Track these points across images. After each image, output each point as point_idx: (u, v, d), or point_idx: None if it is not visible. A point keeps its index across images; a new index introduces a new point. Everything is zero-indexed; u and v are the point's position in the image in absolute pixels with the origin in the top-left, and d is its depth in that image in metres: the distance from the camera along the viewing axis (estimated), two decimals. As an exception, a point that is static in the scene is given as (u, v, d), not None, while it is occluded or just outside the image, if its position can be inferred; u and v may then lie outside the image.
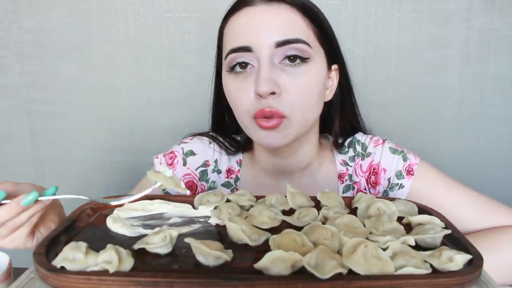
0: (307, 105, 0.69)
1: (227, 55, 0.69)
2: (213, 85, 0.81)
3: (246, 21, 0.68)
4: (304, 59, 0.67)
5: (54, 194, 0.53)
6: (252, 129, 0.71)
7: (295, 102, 0.67)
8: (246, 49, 0.67)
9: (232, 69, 0.69)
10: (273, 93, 0.66)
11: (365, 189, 0.81)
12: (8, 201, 0.52)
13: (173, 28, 1.23)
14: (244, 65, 0.68)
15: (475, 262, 0.42)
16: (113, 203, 0.54)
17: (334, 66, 0.75)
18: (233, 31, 0.69)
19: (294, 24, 0.67)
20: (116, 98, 1.29)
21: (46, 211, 0.57)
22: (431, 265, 0.42)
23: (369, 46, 1.22)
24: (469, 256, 0.42)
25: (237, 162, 0.84)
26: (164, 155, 0.83)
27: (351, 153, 0.82)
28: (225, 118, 0.83)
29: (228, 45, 0.70)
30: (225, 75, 0.72)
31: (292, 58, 0.67)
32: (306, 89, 0.68)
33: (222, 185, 0.84)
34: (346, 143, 0.83)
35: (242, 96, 0.69)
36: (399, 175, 0.78)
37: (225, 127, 0.84)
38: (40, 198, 0.52)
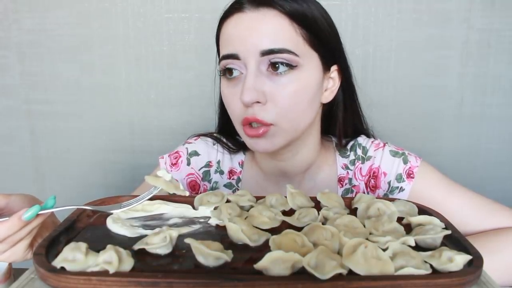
0: (295, 112, 0.69)
1: (220, 60, 0.71)
2: (220, 83, 0.81)
3: (235, 28, 0.68)
4: (291, 67, 0.66)
5: (54, 204, 0.53)
6: (243, 135, 0.72)
7: (282, 110, 0.67)
8: (234, 56, 0.67)
9: (223, 74, 0.71)
10: (258, 102, 0.66)
11: (364, 193, 0.80)
12: (1, 219, 0.51)
13: (173, 28, 1.23)
14: (233, 71, 0.69)
15: (475, 263, 0.42)
16: (114, 211, 0.54)
17: (334, 67, 0.74)
18: (224, 37, 0.70)
19: (281, 32, 0.66)
20: (116, 99, 1.29)
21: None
22: (431, 266, 0.42)
23: (369, 47, 1.22)
24: (469, 257, 0.42)
25: (239, 164, 0.85)
26: (169, 155, 0.84)
27: (352, 156, 0.82)
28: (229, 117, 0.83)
29: (221, 51, 0.71)
30: (221, 78, 0.73)
31: (277, 66, 0.66)
32: (293, 97, 0.67)
33: (224, 185, 0.85)
34: (348, 146, 0.82)
35: (232, 103, 0.70)
36: (399, 178, 0.78)
37: (229, 123, 0.84)
38: (41, 212, 0.52)
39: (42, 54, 1.28)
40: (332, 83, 0.75)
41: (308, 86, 0.69)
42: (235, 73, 0.69)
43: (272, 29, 0.66)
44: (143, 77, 1.27)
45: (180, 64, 1.26)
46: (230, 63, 0.68)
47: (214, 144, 0.85)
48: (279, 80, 0.66)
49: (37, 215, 0.51)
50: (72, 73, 1.28)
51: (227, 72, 0.70)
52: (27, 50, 1.28)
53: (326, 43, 0.71)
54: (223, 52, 0.70)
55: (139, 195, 0.57)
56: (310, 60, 0.69)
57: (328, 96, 0.75)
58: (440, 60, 1.23)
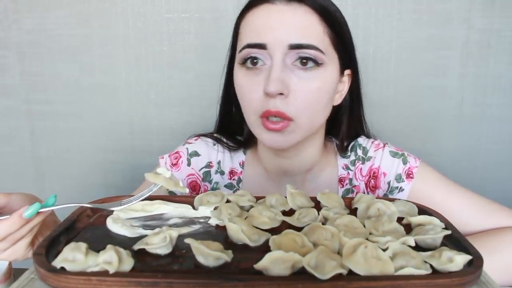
0: (315, 109, 0.69)
1: (242, 49, 0.69)
2: (224, 77, 0.81)
3: (264, 18, 0.68)
4: (316, 64, 0.67)
5: (55, 203, 0.53)
6: (258, 128, 0.71)
7: (303, 105, 0.67)
8: (261, 46, 0.67)
9: (244, 63, 0.69)
10: (281, 94, 0.66)
11: (364, 193, 0.80)
12: (2, 217, 0.51)
13: (173, 28, 1.23)
14: (256, 61, 0.68)
15: (475, 263, 0.42)
16: (114, 209, 0.54)
17: (347, 71, 0.75)
18: (251, 26, 0.69)
19: (310, 28, 0.67)
20: (116, 99, 1.29)
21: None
22: (431, 266, 0.42)
23: (369, 47, 1.22)
24: (469, 257, 0.42)
25: (239, 164, 0.84)
26: (169, 156, 0.84)
27: (352, 157, 0.82)
28: (232, 110, 0.83)
29: (244, 40, 0.70)
30: (237, 68, 0.71)
31: (304, 62, 0.66)
32: (315, 94, 0.68)
33: (225, 186, 0.85)
34: (349, 147, 0.83)
35: (251, 93, 0.69)
36: (398, 179, 0.78)
37: (231, 120, 0.84)
38: (41, 210, 0.52)
39: (42, 54, 1.28)
40: (342, 87, 0.76)
41: (328, 86, 0.70)
42: (257, 63, 0.68)
43: (302, 23, 0.66)
44: (143, 77, 1.27)
45: (180, 64, 1.26)
46: (255, 52, 0.68)
47: (214, 145, 0.85)
48: (304, 75, 0.67)
49: (38, 213, 0.52)
50: (72, 73, 1.28)
51: (248, 61, 0.69)
52: (27, 50, 1.28)
53: (345, 46, 0.72)
54: (248, 40, 0.68)
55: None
56: (332, 60, 0.70)
57: (338, 99, 0.76)
58: (440, 61, 1.23)
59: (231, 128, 0.84)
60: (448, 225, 0.51)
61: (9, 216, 0.51)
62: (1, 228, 0.51)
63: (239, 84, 0.71)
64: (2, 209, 0.56)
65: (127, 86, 1.28)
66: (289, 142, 0.70)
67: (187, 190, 0.57)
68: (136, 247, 0.45)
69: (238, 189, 0.84)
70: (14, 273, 0.64)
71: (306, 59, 0.66)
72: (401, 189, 0.77)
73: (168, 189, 0.76)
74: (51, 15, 1.24)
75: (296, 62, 0.67)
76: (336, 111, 0.79)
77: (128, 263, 0.41)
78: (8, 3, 1.25)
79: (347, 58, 0.73)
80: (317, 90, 0.68)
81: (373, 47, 1.22)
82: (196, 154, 0.83)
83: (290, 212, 0.57)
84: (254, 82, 0.68)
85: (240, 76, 0.70)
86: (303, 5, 0.67)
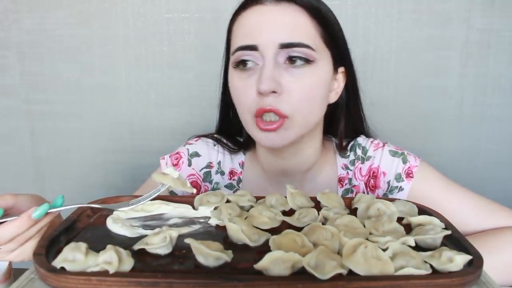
0: (309, 107, 0.69)
1: (234, 51, 0.70)
2: (221, 81, 0.81)
3: (254, 20, 0.68)
4: (307, 61, 0.67)
5: (62, 203, 0.53)
6: (253, 129, 0.71)
7: (297, 103, 0.67)
8: (253, 47, 0.67)
9: (237, 65, 0.70)
10: (274, 92, 0.66)
11: (364, 193, 0.81)
12: (10, 218, 0.51)
13: (173, 28, 1.23)
14: (248, 63, 0.69)
15: (475, 263, 0.42)
16: (124, 209, 0.54)
17: (341, 69, 0.75)
18: (241, 28, 0.70)
19: (300, 26, 0.67)
20: (116, 99, 1.29)
21: None
22: (431, 266, 0.42)
23: (369, 47, 1.22)
24: (469, 257, 0.42)
25: (239, 164, 0.85)
26: (170, 156, 0.84)
27: (352, 156, 0.82)
28: (230, 112, 0.83)
29: (236, 42, 0.70)
30: (231, 71, 0.72)
31: (295, 60, 0.67)
32: (309, 91, 0.68)
33: (225, 186, 0.85)
34: (348, 147, 0.83)
35: (245, 94, 0.69)
36: (398, 178, 0.78)
37: (230, 123, 0.84)
38: (50, 211, 0.52)
39: (42, 54, 1.28)
40: (337, 85, 0.76)
41: (321, 82, 0.70)
42: (250, 65, 0.69)
43: (292, 22, 0.67)
44: (143, 77, 1.27)
45: (180, 64, 1.26)
46: (246, 54, 0.68)
47: (214, 145, 0.85)
48: (296, 73, 0.67)
49: (46, 213, 0.52)
50: (72, 73, 1.28)
51: (241, 63, 0.69)
52: (27, 50, 1.28)
53: (337, 43, 0.73)
54: (240, 43, 0.69)
55: (141, 195, 0.57)
56: (324, 56, 0.70)
57: (333, 97, 0.76)
58: (440, 61, 1.23)
59: (231, 130, 0.85)
60: (448, 225, 0.51)
61: (17, 217, 0.51)
62: (9, 229, 0.51)
63: (233, 86, 0.72)
64: (10, 210, 0.56)
65: (127, 86, 1.28)
66: (284, 140, 0.70)
67: (194, 190, 0.57)
68: (136, 247, 0.45)
69: (238, 189, 0.84)
70: (14, 273, 0.64)
71: (296, 58, 0.67)
72: (400, 189, 0.77)
73: (169, 190, 0.77)
74: (51, 15, 1.24)
75: (287, 61, 0.67)
76: (334, 109, 0.79)
77: (128, 263, 0.41)
78: (8, 3, 1.25)
79: (340, 55, 0.74)
80: (310, 87, 0.68)
81: (373, 47, 1.22)
82: (196, 154, 0.84)
83: (290, 212, 0.57)
84: (248, 83, 0.69)
85: (234, 78, 0.71)
86: (292, 4, 0.68)
